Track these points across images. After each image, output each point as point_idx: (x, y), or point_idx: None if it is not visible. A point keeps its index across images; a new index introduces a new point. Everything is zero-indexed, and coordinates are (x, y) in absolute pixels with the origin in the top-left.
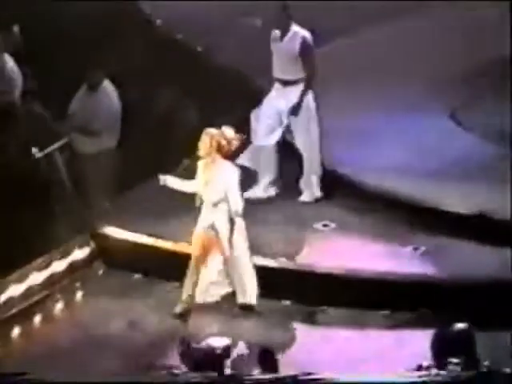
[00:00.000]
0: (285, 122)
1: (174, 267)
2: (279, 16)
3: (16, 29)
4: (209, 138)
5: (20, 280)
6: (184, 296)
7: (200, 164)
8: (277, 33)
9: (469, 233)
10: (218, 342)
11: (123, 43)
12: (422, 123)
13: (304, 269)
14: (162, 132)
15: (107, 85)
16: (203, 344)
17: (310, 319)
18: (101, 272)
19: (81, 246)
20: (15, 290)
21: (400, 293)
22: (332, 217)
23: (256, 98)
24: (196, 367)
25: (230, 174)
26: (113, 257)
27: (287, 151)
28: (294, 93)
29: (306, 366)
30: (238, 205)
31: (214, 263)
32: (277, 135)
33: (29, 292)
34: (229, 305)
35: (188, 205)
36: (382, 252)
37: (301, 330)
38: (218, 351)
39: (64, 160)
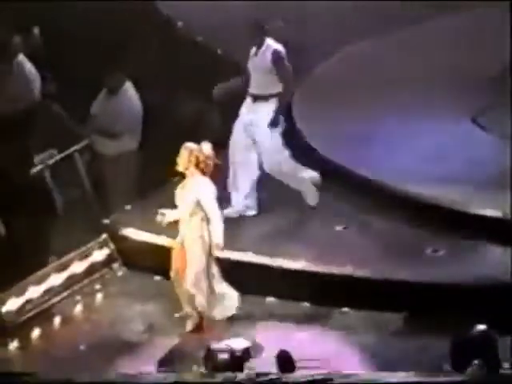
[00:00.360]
0: (256, 138)
1: None
2: (254, 32)
3: (36, 30)
4: (187, 153)
5: (39, 281)
6: (188, 310)
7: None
8: (254, 49)
9: (490, 235)
10: (238, 344)
11: (143, 45)
12: (444, 127)
13: (324, 271)
14: (182, 134)
15: (128, 87)
16: (223, 346)
17: (330, 321)
18: (120, 274)
19: (100, 248)
20: (34, 291)
21: (420, 295)
22: (352, 219)
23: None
24: (216, 369)
25: (207, 189)
26: (132, 258)
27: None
28: (263, 108)
29: (326, 368)
30: (219, 232)
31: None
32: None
33: (48, 293)
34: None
35: None
36: (402, 254)
37: (320, 332)
38: (238, 353)
39: (84, 162)
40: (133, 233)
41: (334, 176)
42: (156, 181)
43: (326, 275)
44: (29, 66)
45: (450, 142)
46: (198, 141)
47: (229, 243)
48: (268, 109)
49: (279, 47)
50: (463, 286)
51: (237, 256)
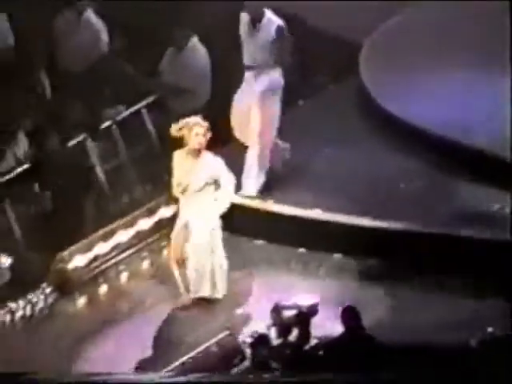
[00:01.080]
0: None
1: (259, 224)
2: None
3: None
4: (204, 130)
5: (106, 238)
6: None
7: (179, 156)
8: (248, 20)
9: None
10: (306, 301)
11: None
12: (498, 81)
13: (391, 228)
14: None
15: (196, 43)
16: (291, 303)
17: (393, 278)
18: None
19: (167, 204)
20: (102, 248)
21: (483, 256)
22: (417, 174)
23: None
24: (284, 325)
25: (221, 165)
26: None
27: None
28: (263, 78)
29: (390, 326)
30: (231, 182)
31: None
32: None
33: (115, 250)
34: None
35: None
36: (467, 211)
37: (385, 290)
38: (305, 309)
39: (152, 118)
40: None
41: (398, 132)
42: (223, 137)
43: (390, 232)
44: (96, 21)
45: None
46: None
47: (295, 200)
48: (262, 78)
49: (280, 22)
50: None
51: (303, 213)
